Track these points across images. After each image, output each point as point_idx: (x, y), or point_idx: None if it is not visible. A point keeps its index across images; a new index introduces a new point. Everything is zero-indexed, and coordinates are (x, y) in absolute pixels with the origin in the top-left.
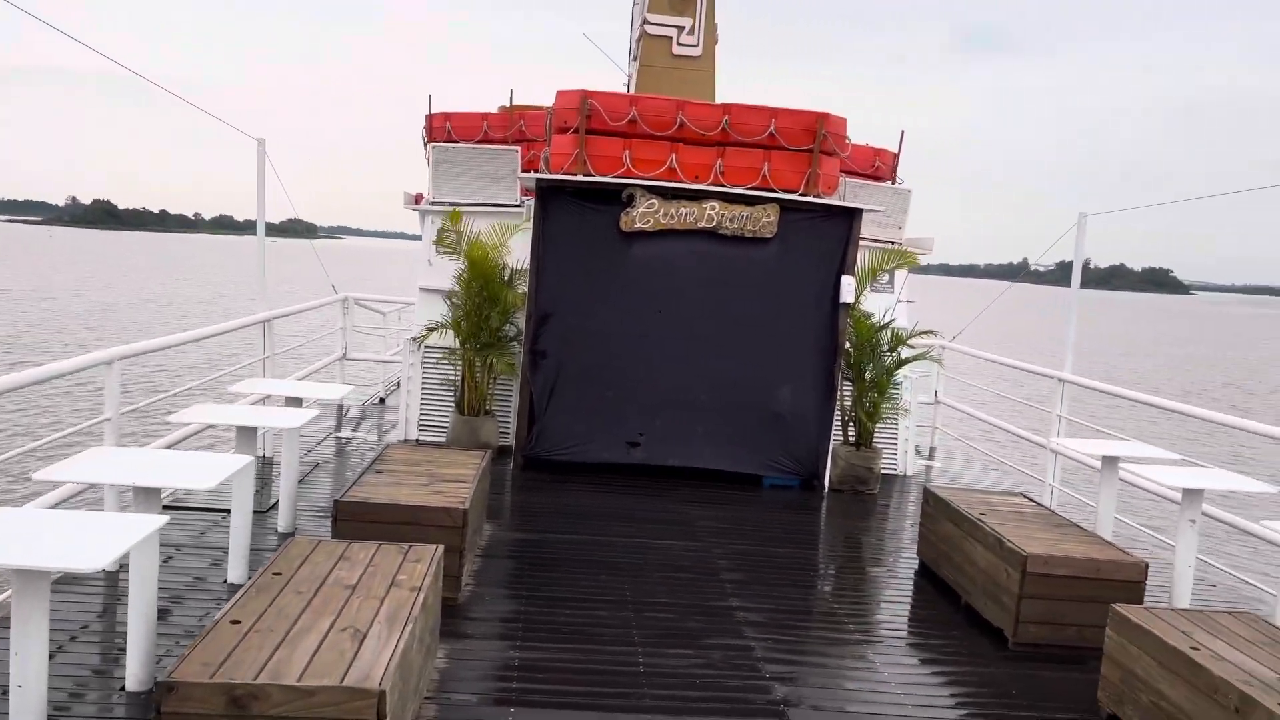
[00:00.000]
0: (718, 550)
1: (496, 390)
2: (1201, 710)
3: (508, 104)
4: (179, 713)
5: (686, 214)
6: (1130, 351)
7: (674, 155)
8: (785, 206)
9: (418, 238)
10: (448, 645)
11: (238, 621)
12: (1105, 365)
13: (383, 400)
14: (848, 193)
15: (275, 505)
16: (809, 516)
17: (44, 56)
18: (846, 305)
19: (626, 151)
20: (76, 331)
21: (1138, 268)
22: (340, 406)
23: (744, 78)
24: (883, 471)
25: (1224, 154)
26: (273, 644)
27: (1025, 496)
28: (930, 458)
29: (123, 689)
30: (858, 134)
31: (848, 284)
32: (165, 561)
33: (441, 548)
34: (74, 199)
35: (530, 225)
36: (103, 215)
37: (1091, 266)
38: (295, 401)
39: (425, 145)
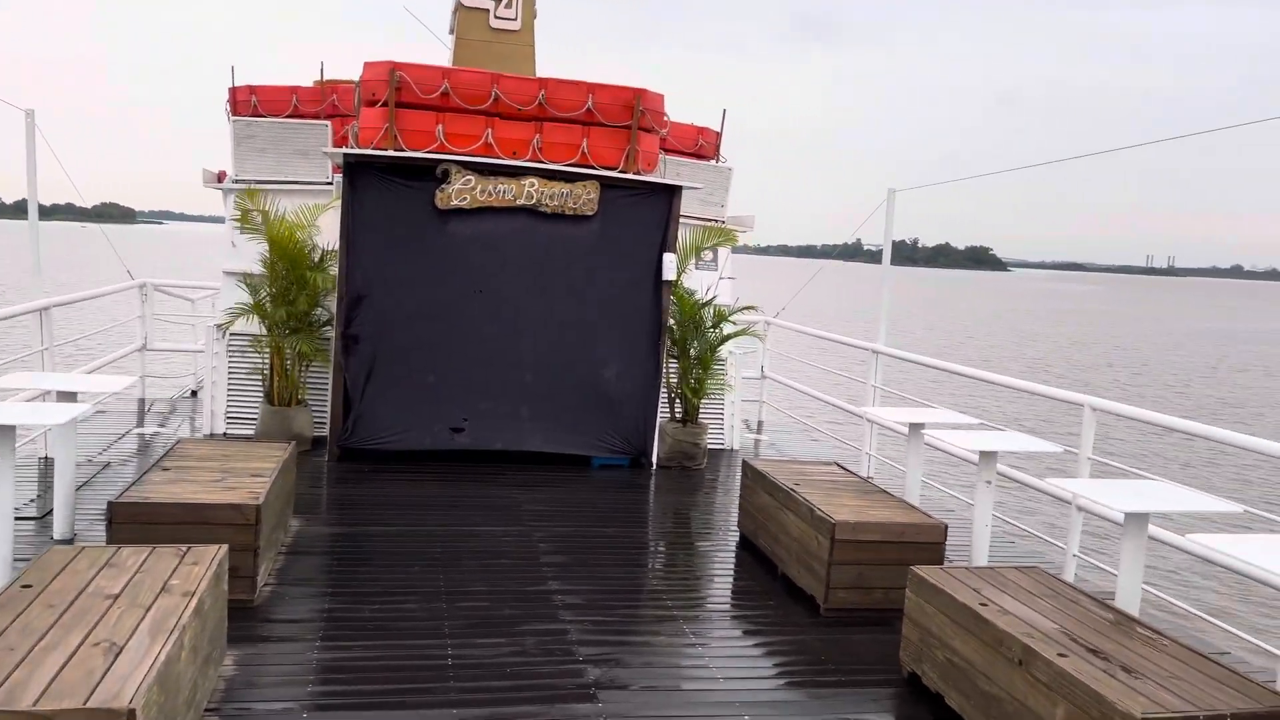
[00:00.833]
0: (540, 534)
1: (310, 378)
2: (989, 663)
3: (321, 78)
4: None
5: (505, 191)
6: (951, 325)
7: (490, 130)
8: (605, 184)
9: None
10: (239, 651)
11: None
12: (947, 338)
13: (194, 393)
14: (671, 170)
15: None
16: (636, 495)
17: None
18: (669, 283)
19: (440, 126)
20: None
21: (961, 246)
22: (142, 401)
23: (580, 60)
24: (710, 447)
25: (1042, 139)
26: (9, 665)
27: (839, 466)
28: (758, 431)
29: None
30: (699, 117)
31: (669, 261)
32: None
33: (224, 548)
34: None
35: (340, 203)
36: None
37: (919, 246)
38: (70, 396)
39: (229, 120)
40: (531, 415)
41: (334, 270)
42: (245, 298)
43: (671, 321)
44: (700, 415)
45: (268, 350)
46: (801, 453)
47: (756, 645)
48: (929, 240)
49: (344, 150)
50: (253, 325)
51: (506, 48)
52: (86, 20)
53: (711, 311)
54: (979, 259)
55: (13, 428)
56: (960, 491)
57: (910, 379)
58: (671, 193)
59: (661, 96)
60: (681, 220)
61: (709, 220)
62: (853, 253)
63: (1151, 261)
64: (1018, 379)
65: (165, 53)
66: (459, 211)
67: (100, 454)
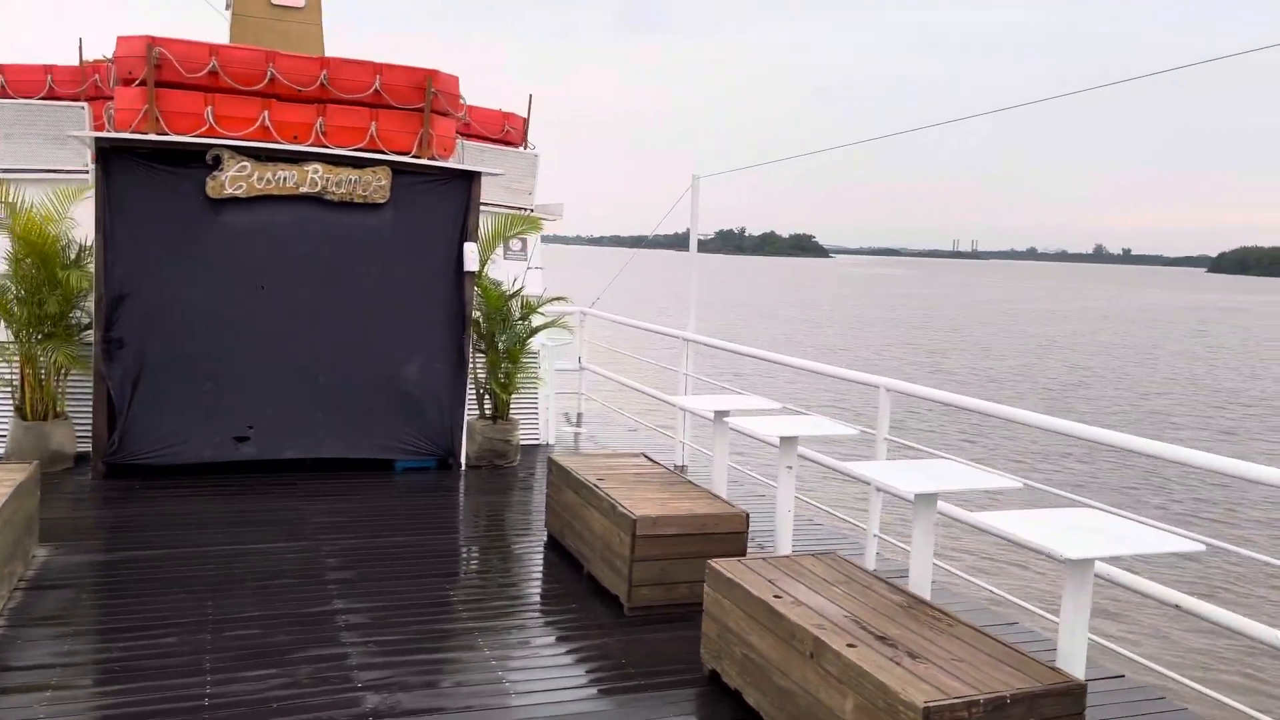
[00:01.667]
0: (328, 548)
1: (72, 388)
2: (784, 657)
3: (80, 56)
4: None
5: (286, 178)
6: (768, 309)
7: (267, 113)
8: (397, 169)
9: None
10: None
11: None
12: (781, 325)
13: None
14: (474, 157)
15: None
16: (442, 498)
17: None
18: (471, 274)
19: (209, 108)
20: None
21: (786, 234)
22: None
23: (412, 45)
24: (526, 443)
25: (859, 128)
26: None
27: (646, 457)
28: (578, 424)
29: None
30: (517, 102)
31: (470, 251)
32: None
33: None
34: None
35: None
36: None
37: (746, 234)
38: None
39: None
40: (326, 420)
41: (92, 268)
42: None
43: (477, 314)
44: (512, 411)
45: (16, 359)
46: (620, 444)
47: (556, 653)
48: (755, 229)
49: (95, 134)
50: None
51: (290, 25)
52: None
53: (519, 303)
54: (803, 246)
55: None
56: (774, 478)
57: (737, 367)
58: (470, 179)
59: (456, 79)
60: (486, 209)
61: (517, 209)
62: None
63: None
64: (815, 362)
65: None
66: (234, 201)
67: None
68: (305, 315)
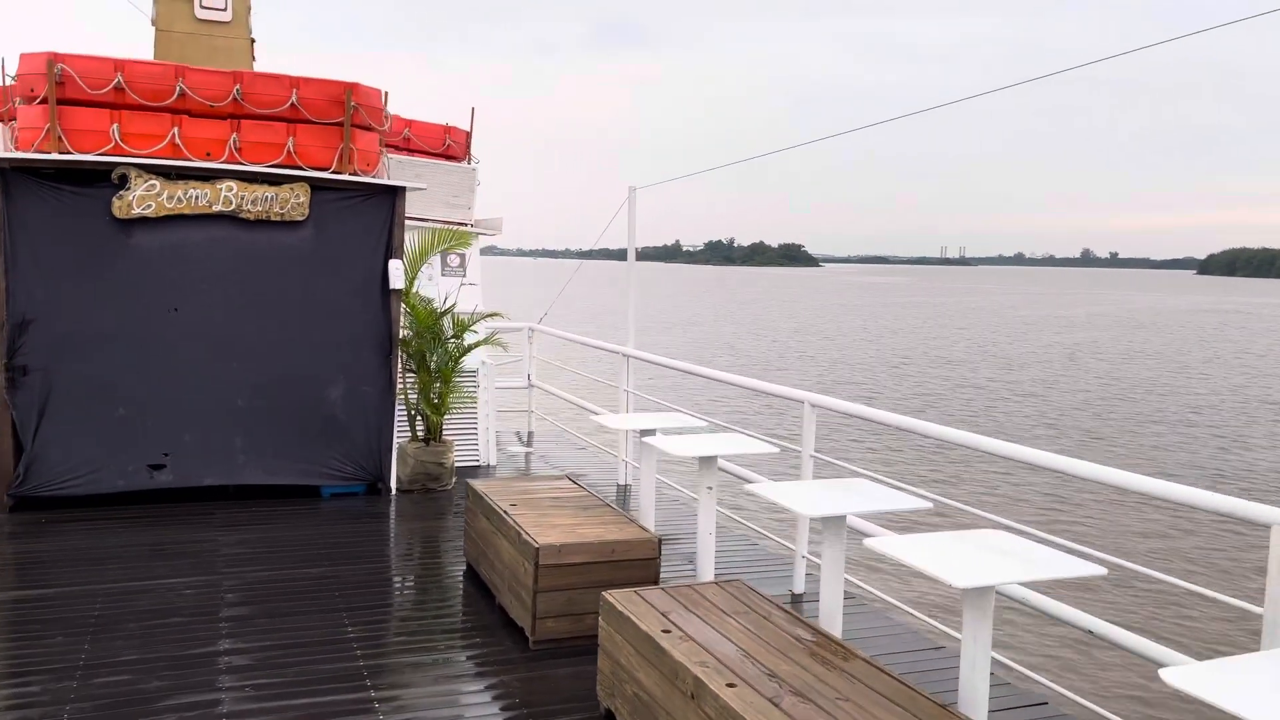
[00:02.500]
0: (231, 582)
1: None
2: (668, 696)
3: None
4: None
5: (198, 196)
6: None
7: (177, 129)
8: (316, 186)
9: None
10: None
11: None
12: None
13: None
14: (411, 172)
15: None
16: (368, 525)
17: None
18: (397, 291)
19: (115, 125)
20: None
21: (775, 244)
22: None
23: (378, 61)
24: (463, 464)
25: (838, 136)
26: None
27: (569, 479)
28: (528, 443)
29: None
30: (500, 119)
31: (396, 268)
32: None
33: None
34: None
35: None
36: None
37: (735, 245)
38: None
39: None
40: (246, 445)
41: None
42: None
43: (406, 333)
44: (446, 432)
45: None
46: (569, 463)
47: (448, 694)
48: (745, 240)
49: None
50: None
51: (217, 40)
52: None
53: (451, 320)
54: (792, 255)
55: None
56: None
57: (686, 384)
58: (394, 194)
59: (378, 91)
60: (423, 224)
61: (455, 223)
62: (667, 255)
63: (945, 253)
64: (741, 376)
65: None
66: (144, 221)
67: None
68: (222, 337)
